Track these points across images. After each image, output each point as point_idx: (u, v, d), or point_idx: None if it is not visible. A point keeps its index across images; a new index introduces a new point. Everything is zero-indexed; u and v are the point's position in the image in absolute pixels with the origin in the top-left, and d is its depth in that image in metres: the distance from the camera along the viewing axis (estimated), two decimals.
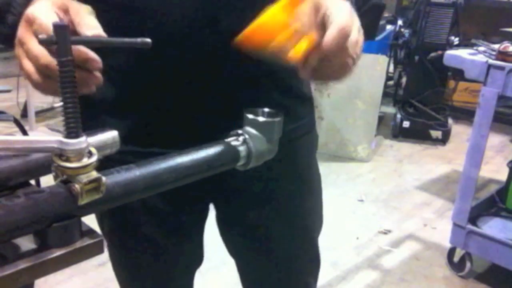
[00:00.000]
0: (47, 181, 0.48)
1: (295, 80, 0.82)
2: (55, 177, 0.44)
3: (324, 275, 2.13)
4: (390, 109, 4.50)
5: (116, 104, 0.75)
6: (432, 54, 3.60)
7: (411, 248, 2.45)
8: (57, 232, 0.43)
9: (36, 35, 0.52)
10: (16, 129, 0.70)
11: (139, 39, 0.59)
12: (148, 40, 0.59)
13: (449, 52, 2.16)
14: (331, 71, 0.62)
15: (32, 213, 0.40)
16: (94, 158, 0.44)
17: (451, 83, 4.22)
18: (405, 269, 2.26)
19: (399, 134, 3.96)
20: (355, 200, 2.92)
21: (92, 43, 0.57)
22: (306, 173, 0.92)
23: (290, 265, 0.95)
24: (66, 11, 0.55)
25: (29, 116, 3.58)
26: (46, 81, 0.53)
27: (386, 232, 2.58)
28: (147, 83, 0.72)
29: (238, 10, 0.66)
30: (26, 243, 0.43)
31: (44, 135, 0.44)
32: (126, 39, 0.58)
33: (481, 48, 2.07)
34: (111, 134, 0.51)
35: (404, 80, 4.14)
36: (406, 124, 3.86)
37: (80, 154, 0.43)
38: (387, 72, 3.85)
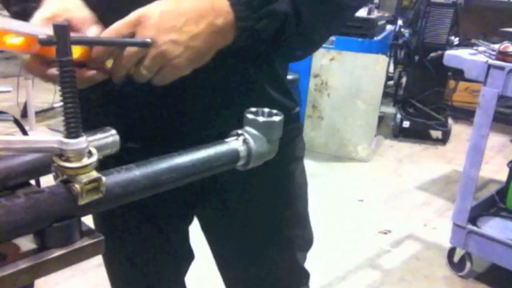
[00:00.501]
0: (47, 181, 0.48)
1: (273, 93, 0.80)
2: (55, 177, 0.44)
3: (324, 275, 2.13)
4: (390, 109, 4.51)
5: (115, 102, 0.75)
6: (432, 54, 3.60)
7: (411, 248, 2.45)
8: (57, 232, 0.43)
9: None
10: (16, 129, 0.70)
11: (139, 39, 0.59)
12: (148, 40, 0.59)
13: (449, 52, 2.16)
14: (117, 69, 0.61)
15: (32, 213, 0.40)
16: (94, 158, 0.44)
17: (451, 83, 4.22)
18: (405, 269, 2.26)
19: (399, 134, 3.96)
20: (355, 200, 2.92)
21: (92, 43, 0.57)
22: (282, 182, 0.89)
23: (265, 274, 0.94)
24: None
25: (29, 116, 3.59)
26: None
27: (386, 232, 2.58)
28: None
29: None
30: (26, 243, 0.43)
31: (44, 135, 0.44)
32: (127, 40, 0.58)
33: (481, 48, 2.07)
34: (111, 134, 0.51)
35: (404, 80, 4.14)
36: (406, 124, 3.86)
37: (80, 154, 0.43)
38: (387, 72, 3.85)
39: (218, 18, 0.62)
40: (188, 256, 0.99)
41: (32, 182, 0.51)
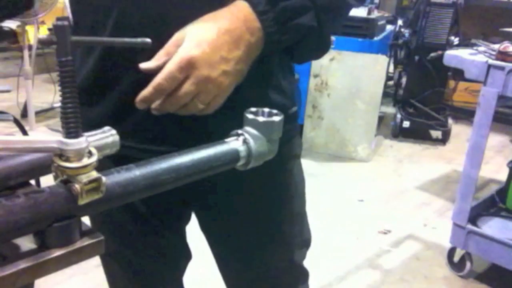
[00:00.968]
0: (47, 181, 0.48)
1: (271, 93, 0.80)
2: (55, 177, 0.44)
3: (324, 275, 2.13)
4: (390, 109, 4.51)
5: (117, 102, 0.76)
6: (432, 54, 3.60)
7: (411, 248, 2.45)
8: (57, 232, 0.43)
9: None
10: (16, 129, 0.70)
11: (139, 39, 0.59)
12: (148, 40, 0.59)
13: (449, 52, 2.16)
14: (172, 107, 0.65)
15: (32, 213, 0.40)
16: (94, 158, 0.44)
17: (451, 83, 4.22)
18: (405, 269, 2.26)
19: (399, 134, 3.96)
20: (355, 200, 2.92)
21: (92, 43, 0.57)
22: (280, 181, 0.89)
23: (264, 271, 0.94)
24: None
25: (29, 116, 3.59)
26: None
27: (386, 232, 2.58)
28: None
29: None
30: (26, 243, 0.43)
31: (44, 135, 0.44)
32: (127, 39, 0.58)
33: (481, 48, 2.07)
34: (111, 134, 0.51)
35: (404, 80, 4.14)
36: (406, 124, 3.86)
37: (80, 154, 0.43)
38: (387, 72, 3.85)
39: (252, 36, 0.65)
40: (185, 255, 0.99)
41: (32, 182, 0.51)
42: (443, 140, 3.95)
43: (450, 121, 3.86)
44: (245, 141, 0.60)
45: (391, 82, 4.72)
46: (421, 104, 3.82)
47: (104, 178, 0.44)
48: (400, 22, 4.42)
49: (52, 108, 4.04)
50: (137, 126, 0.75)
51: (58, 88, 0.43)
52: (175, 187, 0.53)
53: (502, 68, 1.84)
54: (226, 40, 0.63)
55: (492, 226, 2.17)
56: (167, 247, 0.93)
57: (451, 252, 2.22)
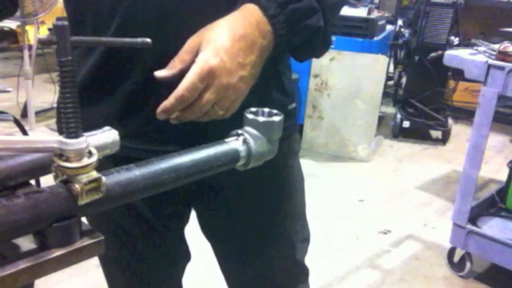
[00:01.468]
0: (47, 181, 0.48)
1: (271, 90, 0.81)
2: (55, 177, 0.44)
3: (324, 275, 2.13)
4: (390, 109, 4.51)
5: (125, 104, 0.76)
6: (432, 54, 3.60)
7: (411, 248, 2.45)
8: (57, 232, 0.42)
9: None
10: (16, 129, 0.70)
11: (139, 39, 0.59)
12: (148, 40, 0.59)
13: (449, 52, 2.16)
14: (193, 116, 0.66)
15: (32, 213, 0.40)
16: (94, 158, 0.44)
17: (451, 83, 4.22)
18: (405, 269, 2.26)
19: (399, 134, 3.96)
20: (355, 200, 2.92)
21: (93, 43, 0.57)
22: (282, 177, 0.90)
23: (268, 269, 0.94)
24: None
25: (29, 116, 3.59)
26: None
27: (386, 232, 2.58)
28: (147, 80, 0.73)
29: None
30: (26, 243, 0.43)
31: (44, 135, 0.44)
32: (127, 40, 0.58)
33: (481, 48, 2.07)
34: (111, 135, 0.51)
35: (404, 80, 4.14)
36: (406, 124, 3.86)
37: (80, 154, 0.43)
38: (387, 72, 3.85)
39: (264, 39, 0.66)
40: (185, 256, 0.99)
41: (32, 182, 0.51)
42: (443, 140, 3.95)
43: (450, 121, 3.86)
44: (245, 141, 0.60)
45: (391, 82, 4.72)
46: (421, 104, 3.82)
47: (104, 178, 0.44)
48: (400, 22, 4.42)
49: (52, 108, 4.03)
50: (142, 127, 0.75)
51: (58, 88, 0.43)
52: (175, 187, 0.53)
53: (502, 68, 1.84)
54: (242, 46, 0.64)
55: (492, 226, 2.17)
56: (167, 247, 0.93)
57: (451, 252, 2.22)
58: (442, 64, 2.30)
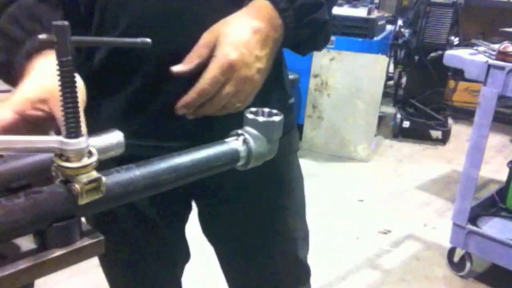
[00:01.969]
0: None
1: (274, 83, 0.82)
2: (55, 177, 0.44)
3: (324, 275, 2.13)
4: (390, 109, 4.51)
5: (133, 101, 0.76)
6: (432, 54, 3.61)
7: (411, 248, 2.45)
8: (57, 232, 0.42)
9: None
10: None
11: (139, 39, 0.59)
12: (148, 40, 0.59)
13: (449, 52, 2.16)
14: (212, 109, 0.68)
15: (32, 213, 0.40)
16: (94, 158, 0.44)
17: (451, 83, 4.22)
18: (405, 269, 2.26)
19: (399, 134, 3.97)
20: (355, 200, 2.92)
21: (93, 43, 0.57)
22: (283, 174, 0.90)
23: (270, 267, 0.94)
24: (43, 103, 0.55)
25: None
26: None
27: (386, 232, 2.58)
28: (150, 79, 0.73)
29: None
30: (26, 243, 0.43)
31: (44, 135, 0.44)
32: (127, 39, 0.58)
33: (481, 48, 2.07)
34: (116, 136, 0.51)
35: (404, 80, 4.14)
36: (406, 124, 3.86)
37: (80, 154, 0.43)
38: (387, 72, 3.85)
39: (276, 33, 0.69)
40: (185, 255, 0.99)
41: None
42: (443, 140, 3.95)
43: (450, 121, 3.86)
44: (245, 141, 0.60)
45: (391, 82, 4.72)
46: (421, 104, 3.82)
47: (104, 178, 0.44)
48: (400, 22, 4.42)
49: None
50: (151, 124, 0.75)
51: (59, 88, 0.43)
52: (175, 187, 0.53)
53: (502, 68, 1.84)
54: (257, 39, 0.66)
55: (492, 226, 2.17)
56: (169, 246, 0.93)
57: (451, 252, 2.22)
58: (442, 64, 2.30)
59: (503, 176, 2.45)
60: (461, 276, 2.18)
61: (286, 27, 0.69)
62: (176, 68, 0.65)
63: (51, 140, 0.43)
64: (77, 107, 0.43)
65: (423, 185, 3.20)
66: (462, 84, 4.40)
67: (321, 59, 3.43)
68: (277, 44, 0.70)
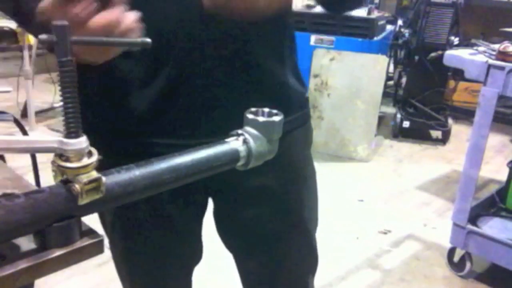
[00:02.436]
0: (47, 181, 0.48)
1: (288, 72, 0.83)
2: (55, 177, 0.44)
3: (324, 275, 2.13)
4: (390, 109, 4.51)
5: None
6: (432, 54, 3.60)
7: (411, 248, 2.45)
8: (57, 232, 0.43)
9: None
10: (16, 129, 0.70)
11: (139, 39, 0.59)
12: (148, 40, 0.59)
13: (449, 52, 2.16)
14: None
15: (32, 213, 0.40)
16: (94, 158, 0.44)
17: (451, 83, 4.22)
18: (405, 269, 2.26)
19: (399, 134, 3.96)
20: (355, 200, 2.92)
21: (93, 43, 0.57)
22: (301, 166, 0.92)
23: (287, 259, 0.95)
24: None
25: (29, 116, 3.59)
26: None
27: (386, 232, 2.58)
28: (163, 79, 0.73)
29: None
30: (26, 243, 0.43)
31: (44, 135, 0.44)
32: (127, 39, 0.58)
33: (481, 48, 2.07)
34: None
35: (404, 80, 4.14)
36: (406, 124, 3.86)
37: (80, 154, 0.43)
38: (387, 72, 3.85)
39: None
40: (199, 254, 0.99)
41: (32, 182, 0.51)
42: (443, 140, 3.95)
43: (450, 121, 3.86)
44: (245, 141, 0.60)
45: (391, 82, 4.72)
46: (421, 104, 3.82)
47: (104, 178, 0.44)
48: (400, 22, 4.42)
49: (52, 108, 4.03)
50: (174, 122, 0.76)
51: (58, 88, 0.43)
52: (175, 187, 0.53)
53: (502, 68, 1.84)
54: None
55: (492, 226, 2.17)
56: (186, 244, 0.93)
57: (451, 252, 2.22)
58: (442, 64, 2.29)
59: (503, 176, 2.45)
60: (461, 276, 2.18)
61: None
62: None
63: (51, 140, 0.43)
64: (77, 107, 0.43)
65: (423, 185, 3.20)
66: (462, 84, 4.40)
67: (321, 59, 3.44)
68: None
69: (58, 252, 0.42)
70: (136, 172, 0.49)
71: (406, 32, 4.04)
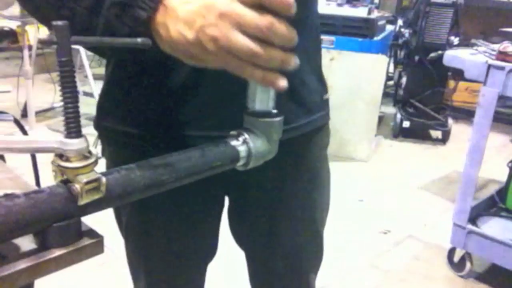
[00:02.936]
0: (47, 181, 0.48)
1: (308, 74, 0.83)
2: (55, 177, 0.44)
3: (324, 275, 2.12)
4: (390, 109, 4.50)
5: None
6: (432, 54, 3.60)
7: (411, 248, 2.45)
8: (57, 232, 0.43)
9: None
10: (16, 129, 0.70)
11: (139, 39, 0.59)
12: (149, 40, 0.59)
13: (449, 52, 2.16)
14: None
15: (32, 213, 0.40)
16: (94, 158, 0.44)
17: (451, 83, 4.22)
18: (405, 269, 2.26)
19: (399, 134, 3.96)
20: (355, 200, 2.92)
21: (93, 43, 0.57)
22: (317, 168, 0.92)
23: (296, 258, 0.96)
24: None
25: (29, 116, 3.58)
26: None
27: (386, 232, 2.58)
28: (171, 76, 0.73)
29: None
30: (26, 243, 0.43)
31: (44, 135, 0.44)
32: (127, 39, 0.58)
33: (481, 48, 2.07)
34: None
35: (404, 80, 4.14)
36: (406, 124, 3.86)
37: (80, 154, 0.43)
38: (387, 72, 3.85)
39: None
40: (214, 250, 0.98)
41: (32, 182, 0.51)
42: (443, 140, 3.95)
43: (450, 121, 3.86)
44: (245, 141, 0.60)
45: (391, 82, 4.72)
46: (421, 104, 3.82)
47: (104, 178, 0.44)
48: (400, 22, 4.41)
49: (52, 108, 4.03)
50: (199, 113, 0.75)
51: (58, 88, 0.43)
52: (175, 187, 0.53)
53: (502, 68, 1.84)
54: None
55: (492, 226, 2.17)
56: (205, 240, 0.93)
57: (451, 252, 2.22)
58: (442, 64, 2.29)
59: (503, 176, 2.45)
60: (461, 276, 2.18)
61: None
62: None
63: (51, 140, 0.43)
64: (77, 107, 0.43)
65: (423, 185, 3.20)
66: (462, 84, 4.40)
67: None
68: None
69: (58, 252, 0.42)
70: (136, 172, 0.49)
71: (406, 32, 4.04)
